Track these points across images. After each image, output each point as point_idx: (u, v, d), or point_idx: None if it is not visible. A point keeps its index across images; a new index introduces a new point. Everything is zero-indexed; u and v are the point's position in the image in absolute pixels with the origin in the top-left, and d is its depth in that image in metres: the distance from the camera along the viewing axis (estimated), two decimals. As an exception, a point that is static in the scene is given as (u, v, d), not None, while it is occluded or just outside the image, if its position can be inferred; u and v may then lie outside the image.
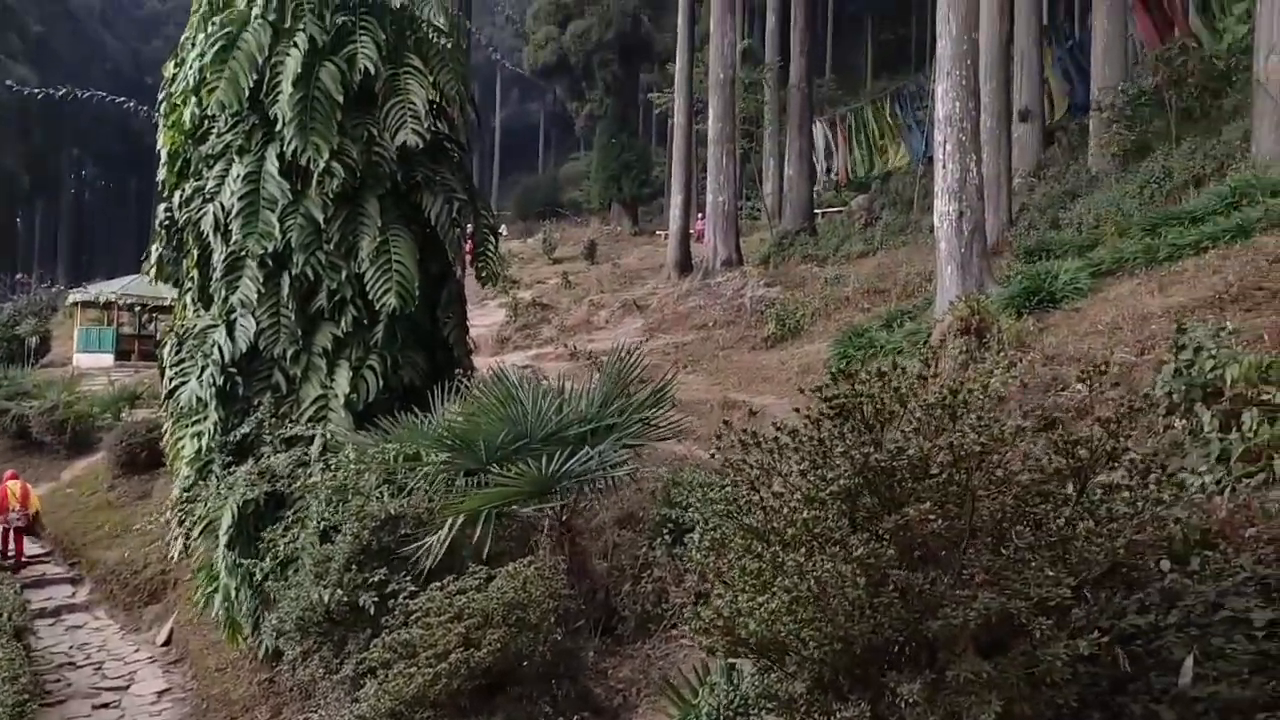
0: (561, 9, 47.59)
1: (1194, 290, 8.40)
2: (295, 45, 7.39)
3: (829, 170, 36.36)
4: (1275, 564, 3.17)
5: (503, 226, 40.72)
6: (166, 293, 10.14)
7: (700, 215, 29.05)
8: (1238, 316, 6.81)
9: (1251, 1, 13.19)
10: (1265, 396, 4.20)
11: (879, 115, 32.63)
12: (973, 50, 11.84)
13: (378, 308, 7.61)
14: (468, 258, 9.80)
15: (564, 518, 6.27)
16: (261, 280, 7.52)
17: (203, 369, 7.66)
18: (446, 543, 5.89)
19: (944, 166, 11.41)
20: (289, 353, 7.65)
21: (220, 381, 7.55)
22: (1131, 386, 5.72)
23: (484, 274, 9.37)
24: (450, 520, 5.92)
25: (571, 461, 5.87)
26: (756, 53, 35.26)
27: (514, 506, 6.13)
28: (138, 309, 27.53)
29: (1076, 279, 10.16)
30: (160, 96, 8.32)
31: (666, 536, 6.46)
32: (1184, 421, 4.58)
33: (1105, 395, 4.89)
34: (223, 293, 7.61)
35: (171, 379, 8.20)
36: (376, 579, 5.98)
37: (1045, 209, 16.02)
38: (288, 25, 7.55)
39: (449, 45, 8.78)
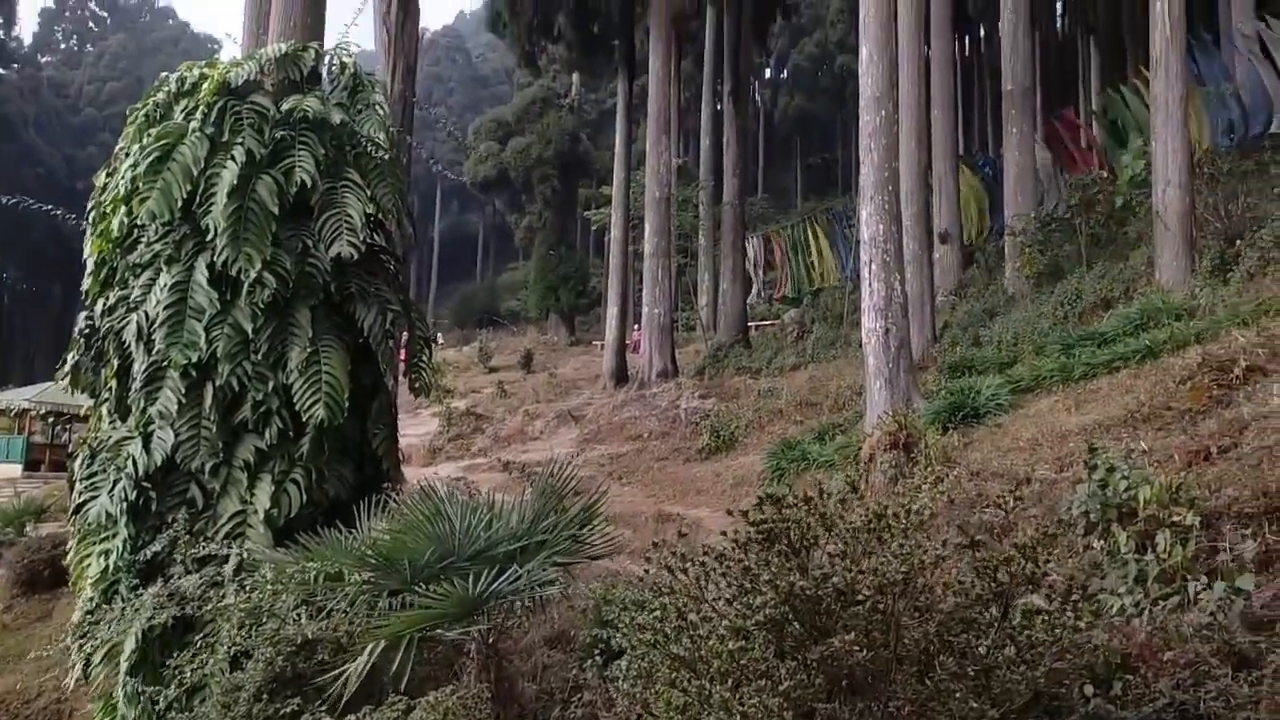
0: (502, 126, 49.02)
1: (1108, 408, 8.73)
2: (232, 158, 7.41)
3: (763, 284, 37.44)
4: (1192, 689, 3.21)
5: (439, 335, 40.64)
6: (82, 402, 9.78)
7: (636, 327, 29.48)
8: (1150, 435, 7.08)
9: (1146, 139, 14.29)
10: (1176, 518, 4.33)
11: (810, 233, 33.91)
12: (894, 177, 12.49)
13: (305, 419, 7.42)
14: (401, 366, 9.71)
15: (491, 640, 6.04)
16: (183, 391, 7.30)
17: (115, 483, 7.32)
18: (366, 670, 5.61)
19: (870, 285, 11.85)
20: (208, 466, 7.38)
21: (132, 496, 7.21)
22: (1052, 504, 5.85)
23: (418, 385, 9.27)
24: (370, 646, 5.66)
25: (500, 581, 5.70)
26: (691, 171, 36.63)
27: (439, 630, 5.89)
28: (51, 418, 26.46)
29: (998, 395, 10.50)
30: (90, 204, 8.23)
31: (598, 658, 6.27)
32: (1101, 542, 4.69)
33: (1027, 513, 4.98)
34: (141, 404, 7.35)
35: (81, 493, 7.81)
36: (289, 710, 5.64)
37: (967, 326, 16.69)
38: (225, 139, 7.59)
39: (388, 159, 8.91)
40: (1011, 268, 17.55)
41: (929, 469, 7.94)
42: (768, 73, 69.33)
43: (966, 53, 50.77)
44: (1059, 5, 42.78)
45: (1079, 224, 16.35)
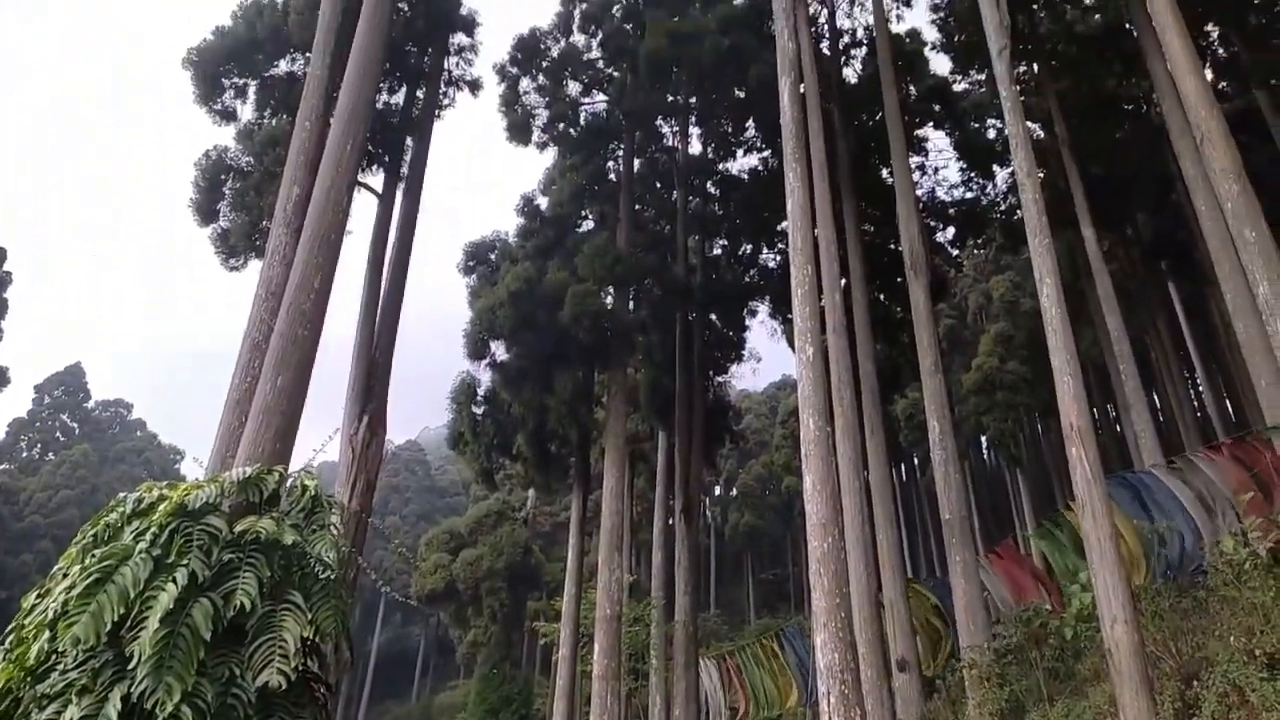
0: (455, 538, 49.29)
1: None
2: (173, 580, 7.18)
3: (719, 706, 35.36)
4: None
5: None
6: None
7: (583, 758, 27.15)
8: None
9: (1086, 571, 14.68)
10: None
11: (765, 654, 32.92)
12: (845, 603, 12.49)
13: None
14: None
15: None
16: None
17: None
18: None
19: (830, 719, 11.27)
20: None
21: None
22: None
23: (331, 838, 8.15)
24: None
25: None
26: (644, 586, 36.40)
27: None
28: None
29: None
30: (9, 627, 7.78)
31: None
32: None
33: None
34: None
35: None
36: None
37: (936, 765, 15.60)
38: (171, 560, 7.44)
39: (335, 579, 8.72)
40: (973, 704, 16.91)
41: None
42: (718, 490, 72.29)
43: (904, 477, 53.91)
44: (983, 440, 46.39)
45: (1034, 657, 16.12)
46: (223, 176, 18.97)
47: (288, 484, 9.04)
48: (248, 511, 8.27)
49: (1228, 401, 36.87)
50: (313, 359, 11.25)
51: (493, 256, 29.78)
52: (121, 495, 8.09)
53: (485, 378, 28.54)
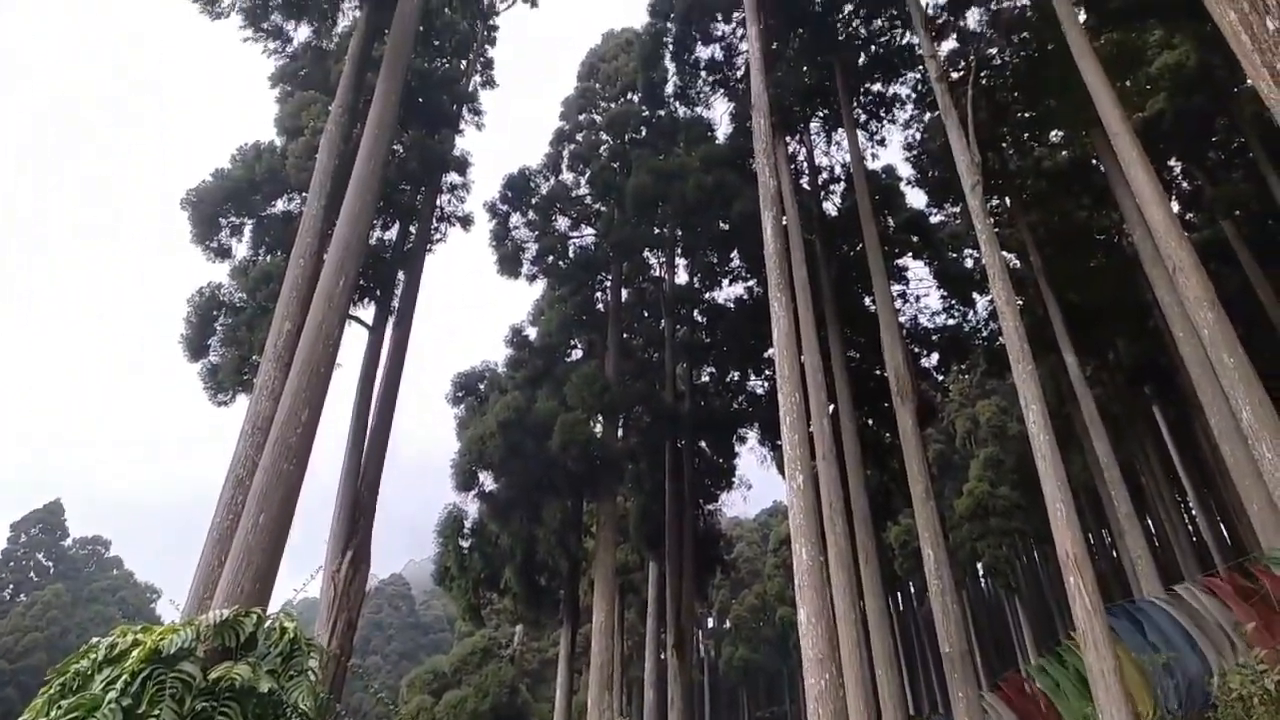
0: (439, 678, 47.45)
1: None
2: (143, 729, 6.86)
3: None
4: None
5: None
6: None
7: None
8: None
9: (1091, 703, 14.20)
10: None
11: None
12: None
13: None
14: None
15: None
16: None
17: None
18: None
19: None
20: None
21: None
22: None
23: None
24: None
25: None
26: (635, 726, 34.87)
27: None
28: None
29: None
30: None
31: None
32: None
33: None
34: None
35: None
36: None
37: None
38: (142, 710, 7.11)
39: (312, 726, 8.33)
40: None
41: None
42: (711, 621, 70.31)
43: (901, 607, 52.67)
44: (979, 568, 45.69)
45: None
46: (215, 312, 19.21)
47: (266, 625, 8.75)
48: (224, 656, 7.96)
49: (1222, 525, 36.62)
50: (297, 495, 11.09)
51: (481, 387, 29.87)
52: (94, 641, 7.80)
53: (473, 510, 28.13)
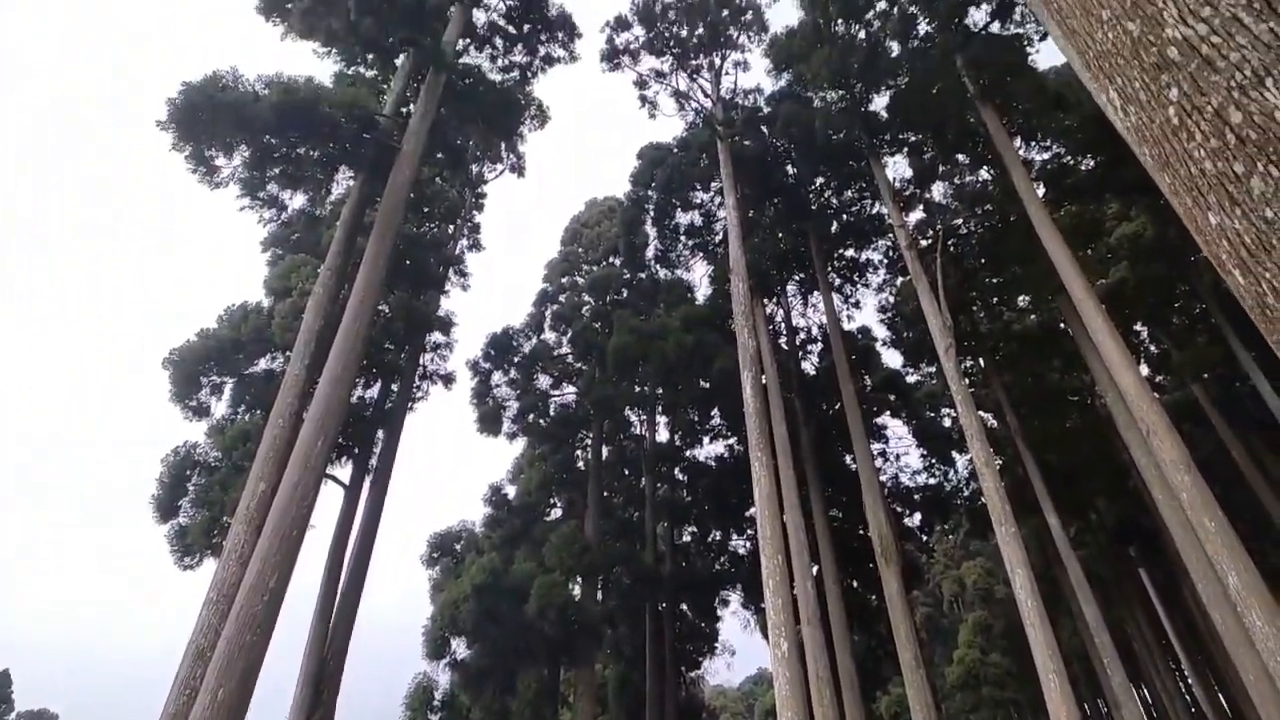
0: None
1: None
2: None
3: None
4: None
5: None
6: None
7: None
8: None
9: None
10: None
11: None
12: None
13: None
14: None
15: None
16: None
17: None
18: None
19: None
20: None
21: None
22: None
23: None
24: None
25: None
26: None
27: None
28: None
29: None
30: None
31: None
32: None
33: None
34: None
35: None
36: None
37: None
38: None
39: None
40: None
41: None
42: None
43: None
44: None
45: None
46: (188, 472, 18.89)
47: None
48: None
49: (1220, 694, 35.42)
50: (259, 667, 10.55)
51: (458, 547, 29.20)
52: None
53: (444, 680, 26.81)
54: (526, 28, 24.31)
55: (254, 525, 12.25)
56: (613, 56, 28.95)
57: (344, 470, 21.38)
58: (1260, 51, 2.34)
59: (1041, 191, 25.10)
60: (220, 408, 20.40)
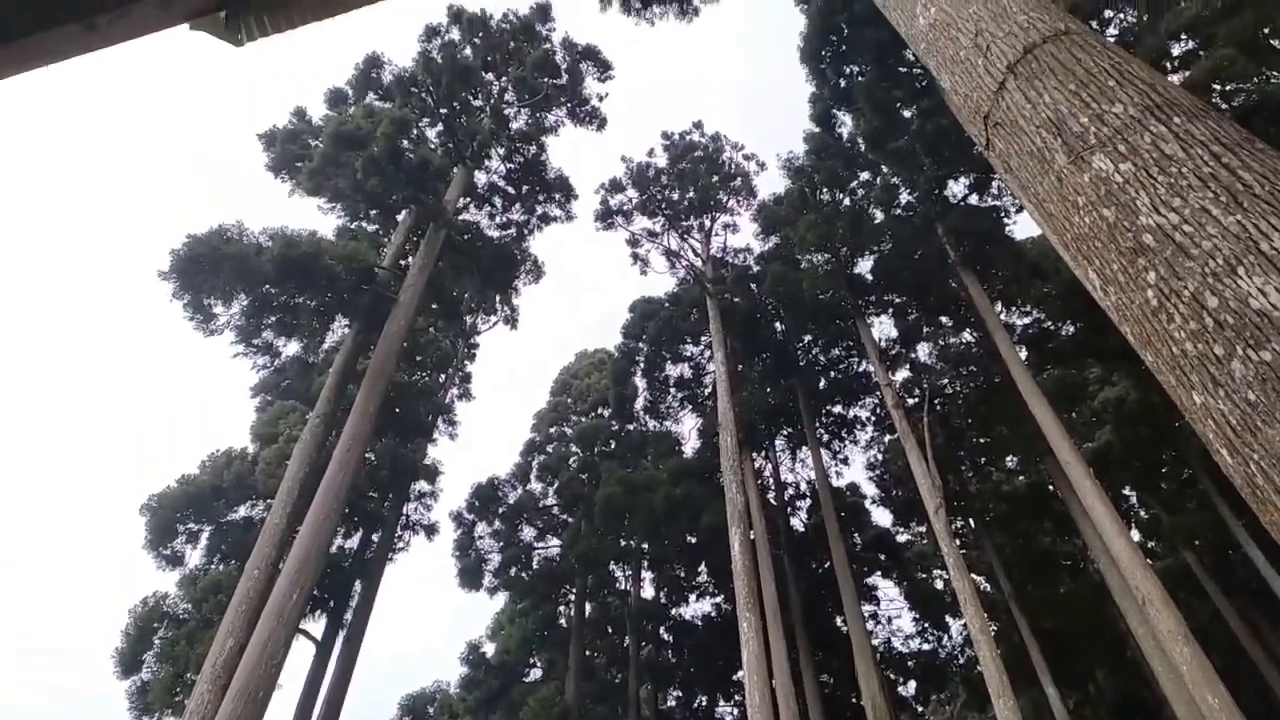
0: None
1: None
2: None
3: None
4: None
5: None
6: None
7: None
8: None
9: None
10: None
11: None
12: None
13: None
14: None
15: None
16: None
17: None
18: None
19: None
20: None
21: None
22: None
23: None
24: None
25: None
26: None
27: None
28: None
29: None
30: None
31: None
32: None
33: None
34: None
35: None
36: None
37: None
38: None
39: None
40: None
41: None
42: None
43: None
44: None
45: None
46: (155, 625, 18.11)
47: None
48: None
49: None
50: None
51: (431, 710, 27.79)
52: None
53: None
54: (525, 188, 25.35)
55: (219, 685, 11.65)
56: (606, 216, 30.07)
57: (317, 625, 20.59)
58: (1230, 241, 2.43)
59: (1024, 354, 25.58)
60: (195, 557, 19.83)
